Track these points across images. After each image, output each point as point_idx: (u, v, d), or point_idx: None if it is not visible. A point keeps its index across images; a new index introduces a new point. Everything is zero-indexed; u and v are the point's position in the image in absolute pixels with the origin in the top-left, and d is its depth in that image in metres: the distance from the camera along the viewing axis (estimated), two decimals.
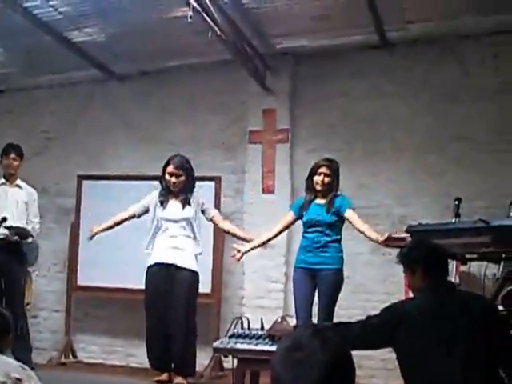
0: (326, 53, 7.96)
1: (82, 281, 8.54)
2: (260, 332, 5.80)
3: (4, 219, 6.99)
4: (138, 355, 8.36)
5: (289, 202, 7.82)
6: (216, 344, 5.96)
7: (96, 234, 7.00)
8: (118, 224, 7.04)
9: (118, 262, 8.22)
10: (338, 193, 6.50)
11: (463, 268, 6.45)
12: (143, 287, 6.99)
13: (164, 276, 6.69)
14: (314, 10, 6.84)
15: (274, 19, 7.11)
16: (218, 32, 6.45)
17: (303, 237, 6.47)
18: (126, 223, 7.16)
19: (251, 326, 6.07)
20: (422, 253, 4.14)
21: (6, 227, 7.12)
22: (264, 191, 8.04)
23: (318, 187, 6.42)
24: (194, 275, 6.77)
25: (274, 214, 7.58)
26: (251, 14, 6.95)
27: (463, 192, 6.50)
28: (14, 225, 7.20)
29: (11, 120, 9.44)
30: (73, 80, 9.07)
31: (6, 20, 7.08)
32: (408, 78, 7.77)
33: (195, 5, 5.83)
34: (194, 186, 6.96)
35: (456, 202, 5.82)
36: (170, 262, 6.69)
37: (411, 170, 7.65)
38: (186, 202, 6.80)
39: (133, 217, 7.02)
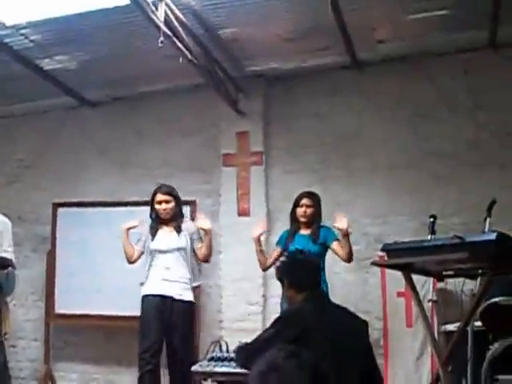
0: (298, 74, 7.97)
1: (59, 309, 8.44)
2: None
3: None
4: (117, 382, 8.31)
5: (265, 223, 7.82)
6: (195, 367, 5.96)
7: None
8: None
9: (95, 289, 8.14)
10: (322, 224, 6.79)
11: (440, 285, 6.48)
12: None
13: (161, 308, 6.62)
14: (284, 33, 6.86)
15: (244, 42, 7.11)
16: (189, 56, 6.45)
17: None
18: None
19: (230, 348, 6.08)
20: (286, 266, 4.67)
21: None
22: (240, 214, 8.02)
23: (302, 219, 6.74)
24: (190, 306, 6.78)
25: (250, 237, 7.56)
26: (221, 37, 6.96)
27: (439, 209, 6.53)
28: None
29: None
30: (45, 108, 9.03)
31: None
32: (382, 96, 7.78)
33: (166, 30, 5.83)
34: (182, 214, 6.99)
35: (431, 219, 5.85)
36: (166, 294, 6.64)
37: (387, 188, 7.67)
38: (179, 229, 6.81)
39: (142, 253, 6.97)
